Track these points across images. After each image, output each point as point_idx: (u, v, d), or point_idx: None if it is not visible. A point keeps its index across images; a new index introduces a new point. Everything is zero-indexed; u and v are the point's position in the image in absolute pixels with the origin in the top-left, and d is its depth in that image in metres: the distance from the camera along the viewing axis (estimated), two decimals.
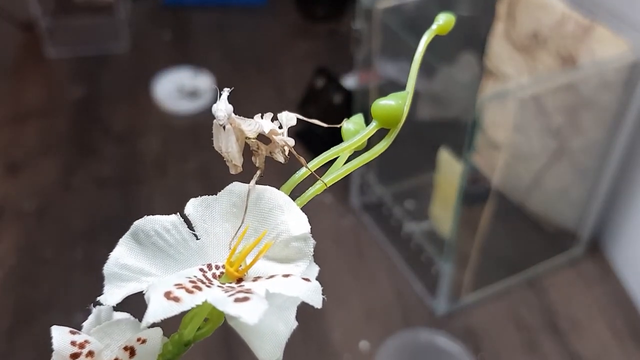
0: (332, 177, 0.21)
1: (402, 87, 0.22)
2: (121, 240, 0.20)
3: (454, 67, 0.96)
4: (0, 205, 0.97)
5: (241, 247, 0.20)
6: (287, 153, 0.20)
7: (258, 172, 0.20)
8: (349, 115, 0.22)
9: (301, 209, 0.20)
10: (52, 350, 0.20)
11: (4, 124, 1.12)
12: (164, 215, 0.20)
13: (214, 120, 0.19)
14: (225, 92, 0.19)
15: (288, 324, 0.20)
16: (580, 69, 0.76)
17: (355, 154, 0.21)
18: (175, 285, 0.18)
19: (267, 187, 0.20)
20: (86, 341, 0.20)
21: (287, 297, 0.19)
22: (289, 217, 0.20)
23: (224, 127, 0.19)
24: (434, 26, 0.22)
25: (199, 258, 0.20)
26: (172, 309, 0.17)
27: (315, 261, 0.20)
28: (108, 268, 0.20)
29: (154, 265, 0.20)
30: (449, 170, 0.81)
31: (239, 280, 0.19)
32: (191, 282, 0.18)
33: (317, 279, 0.19)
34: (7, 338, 0.79)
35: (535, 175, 0.86)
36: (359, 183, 0.96)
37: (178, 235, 0.20)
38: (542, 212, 0.89)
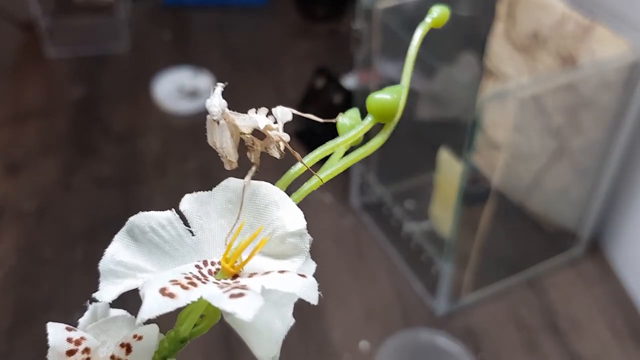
0: (328, 172, 0.21)
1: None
2: (116, 237, 0.20)
3: (454, 67, 0.96)
4: (0, 205, 0.97)
5: (237, 243, 0.20)
6: (282, 148, 0.20)
7: (253, 168, 0.20)
8: None
9: (300, 206, 0.20)
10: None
11: (4, 124, 1.12)
12: (159, 212, 0.20)
13: (208, 116, 0.19)
14: (219, 87, 0.19)
15: (285, 320, 0.20)
16: (580, 69, 0.76)
17: (352, 149, 0.21)
18: (171, 281, 0.18)
19: (263, 182, 0.20)
20: (82, 338, 0.20)
21: (284, 294, 0.19)
22: (284, 213, 0.20)
23: (218, 123, 0.19)
24: (428, 19, 0.22)
25: (194, 254, 0.20)
26: (167, 305, 0.17)
27: (315, 261, 0.20)
28: (103, 265, 0.20)
29: (149, 262, 0.20)
30: (449, 170, 0.81)
31: (235, 276, 0.19)
32: (186, 278, 0.18)
33: (317, 278, 0.19)
34: (7, 338, 0.79)
35: (535, 175, 0.86)
36: (359, 183, 0.96)
37: (173, 231, 0.20)
38: (542, 212, 0.89)
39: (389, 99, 0.20)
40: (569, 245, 0.89)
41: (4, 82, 1.22)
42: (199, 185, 0.20)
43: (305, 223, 0.20)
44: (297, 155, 0.20)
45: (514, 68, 0.85)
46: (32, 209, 0.97)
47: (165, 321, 0.19)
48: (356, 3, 0.82)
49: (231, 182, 0.20)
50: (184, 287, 0.18)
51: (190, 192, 0.21)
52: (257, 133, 0.20)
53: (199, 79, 1.20)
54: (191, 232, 0.20)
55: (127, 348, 0.20)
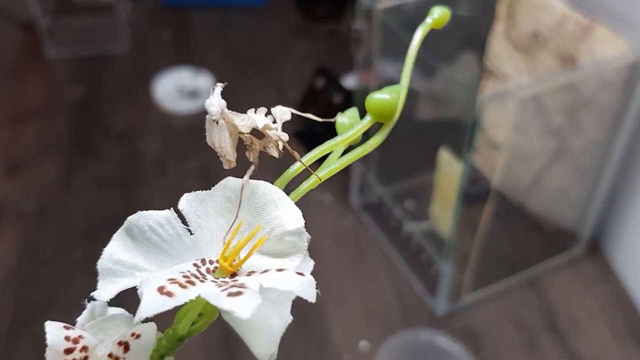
0: (326, 171, 0.21)
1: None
2: (115, 236, 0.20)
3: (454, 67, 0.96)
4: (0, 205, 0.97)
5: (235, 242, 0.20)
6: (281, 148, 0.20)
7: (252, 167, 0.20)
8: None
9: (299, 206, 0.20)
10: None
11: (4, 124, 1.12)
12: (157, 211, 0.20)
13: (207, 116, 0.19)
14: (219, 87, 0.19)
15: (283, 318, 0.20)
16: (580, 69, 0.76)
17: (351, 148, 0.21)
18: (169, 280, 0.18)
19: (261, 181, 0.20)
20: (80, 336, 0.20)
21: (282, 292, 0.19)
22: (283, 212, 0.20)
23: (217, 122, 0.19)
24: (428, 20, 0.22)
25: (192, 253, 0.20)
26: (165, 304, 0.17)
27: (315, 261, 0.20)
28: (102, 263, 0.20)
29: (147, 261, 0.20)
30: (449, 170, 0.81)
31: (233, 275, 0.19)
32: (185, 277, 0.18)
33: (317, 278, 0.19)
34: (7, 338, 0.79)
35: (535, 175, 0.86)
36: (359, 183, 0.96)
37: (172, 230, 0.20)
38: (542, 212, 0.89)
39: (388, 98, 0.20)
40: (569, 245, 0.89)
41: (4, 82, 1.22)
42: (199, 185, 0.20)
43: (304, 222, 0.20)
44: (296, 154, 0.20)
45: (514, 68, 0.85)
46: (32, 209, 0.97)
47: (163, 319, 0.19)
48: (356, 3, 0.82)
49: (230, 181, 0.20)
50: (182, 286, 0.18)
51: (190, 192, 0.21)
52: (256, 132, 0.20)
53: (199, 79, 1.20)
54: (190, 231, 0.20)
55: (125, 346, 0.20)
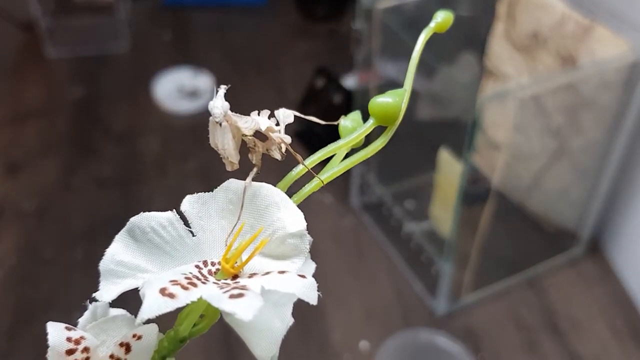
0: (329, 174, 0.21)
1: (402, 87, 0.22)
2: (117, 237, 0.20)
3: (454, 67, 0.96)
4: (0, 205, 0.97)
5: (237, 244, 0.20)
6: (283, 150, 0.20)
7: (254, 169, 0.20)
8: None
9: (300, 207, 0.20)
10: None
11: (4, 124, 1.12)
12: (160, 212, 0.20)
13: (210, 118, 0.19)
14: (222, 89, 0.19)
15: (284, 320, 0.20)
16: (580, 69, 0.76)
17: (353, 151, 0.21)
18: (171, 281, 0.18)
19: (264, 184, 0.20)
20: (82, 337, 0.20)
21: (283, 294, 0.19)
22: (285, 214, 0.20)
23: (220, 124, 0.19)
24: (432, 24, 0.22)
25: (194, 255, 0.20)
26: (167, 305, 0.17)
27: (315, 261, 0.20)
28: (104, 264, 0.20)
29: (149, 262, 0.20)
30: (449, 170, 0.81)
31: (235, 276, 0.19)
32: (186, 278, 0.18)
33: (317, 278, 0.19)
34: (7, 338, 0.80)
35: (535, 175, 0.86)
36: (359, 183, 0.96)
37: (174, 231, 0.20)
38: (542, 212, 0.89)
39: (391, 102, 0.20)
40: (569, 245, 0.90)
41: (4, 82, 1.22)
42: (199, 185, 0.20)
43: (306, 224, 0.20)
44: (299, 157, 0.20)
45: (514, 68, 0.85)
46: (32, 209, 0.97)
47: (164, 321, 0.19)
48: (356, 3, 0.82)
49: (232, 183, 0.21)
50: (184, 287, 0.18)
51: (191, 192, 0.21)
52: (259, 135, 0.20)
53: (199, 79, 1.20)
54: (192, 232, 0.20)
55: (127, 347, 0.20)
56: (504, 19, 0.85)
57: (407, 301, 0.85)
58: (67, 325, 0.21)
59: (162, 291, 0.17)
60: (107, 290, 0.19)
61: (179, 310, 0.18)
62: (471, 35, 0.95)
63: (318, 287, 0.19)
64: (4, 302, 0.84)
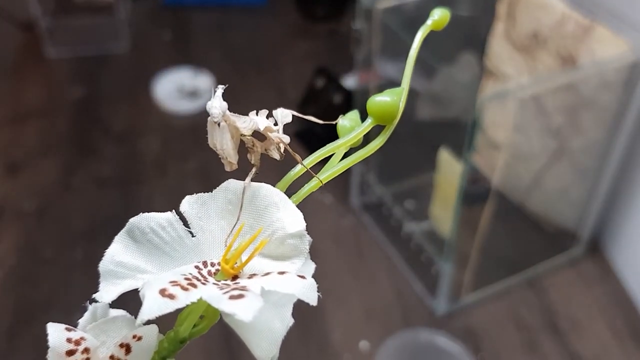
0: (327, 174, 0.21)
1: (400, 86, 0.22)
2: (117, 238, 0.20)
3: (454, 67, 0.96)
4: (0, 205, 0.97)
5: (237, 245, 0.20)
6: (282, 150, 0.20)
7: (253, 170, 0.20)
8: None
9: (299, 207, 0.20)
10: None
11: (4, 124, 1.12)
12: (159, 213, 0.20)
13: (209, 118, 0.19)
14: (220, 89, 0.19)
15: (284, 320, 0.20)
16: (580, 69, 0.76)
17: (351, 150, 0.21)
18: (171, 282, 0.18)
19: (263, 184, 0.20)
20: (82, 338, 0.20)
21: (283, 294, 0.19)
22: (284, 214, 0.20)
23: (218, 124, 0.19)
24: (429, 21, 0.22)
25: (194, 255, 0.20)
26: (166, 306, 0.17)
27: (315, 261, 0.20)
28: (104, 265, 0.20)
29: (149, 263, 0.20)
30: (449, 170, 0.81)
31: (235, 277, 0.19)
32: (186, 279, 0.18)
33: (316, 278, 0.19)
34: (7, 338, 0.80)
35: (535, 175, 0.86)
36: (359, 183, 0.96)
37: (174, 232, 0.20)
38: (542, 212, 0.89)
39: (389, 101, 0.20)
40: (569, 245, 0.89)
41: (4, 82, 1.22)
42: (199, 185, 0.20)
43: (305, 224, 0.20)
44: (297, 157, 0.20)
45: (514, 68, 0.85)
46: (32, 209, 0.97)
47: (164, 321, 0.19)
48: (356, 3, 0.82)
49: (231, 184, 0.21)
50: (184, 288, 0.18)
51: (190, 192, 0.21)
52: (258, 135, 0.20)
53: (199, 79, 1.20)
54: (191, 233, 0.20)
55: (127, 348, 0.20)
56: (504, 19, 0.85)
57: (407, 301, 0.85)
58: (67, 326, 0.21)
59: (162, 292, 0.17)
60: (107, 291, 0.19)
61: (178, 311, 0.18)
62: (471, 35, 0.95)
63: (318, 287, 0.19)
64: (4, 302, 0.84)
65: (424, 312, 0.83)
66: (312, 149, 0.20)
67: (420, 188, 0.97)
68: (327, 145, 0.21)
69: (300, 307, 0.20)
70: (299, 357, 0.78)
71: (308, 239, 0.20)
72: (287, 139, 0.20)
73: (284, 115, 0.20)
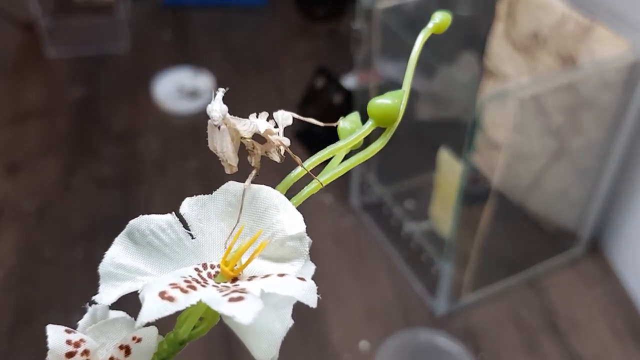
0: (328, 176, 0.21)
1: (402, 87, 0.22)
2: (117, 240, 0.20)
3: (454, 67, 0.96)
4: (0, 205, 0.97)
5: (236, 247, 0.20)
6: (282, 152, 0.20)
7: (253, 172, 0.20)
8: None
9: (299, 207, 0.20)
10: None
11: (4, 124, 1.12)
12: (159, 215, 0.20)
13: (209, 121, 0.19)
14: (220, 92, 0.19)
15: (284, 322, 0.20)
16: (580, 69, 0.76)
17: (352, 152, 0.21)
18: (170, 284, 0.18)
19: (263, 186, 0.20)
20: (81, 340, 0.20)
21: (283, 296, 0.19)
22: (284, 217, 0.20)
23: (218, 127, 0.19)
24: (430, 25, 0.22)
25: (194, 257, 0.20)
26: (166, 309, 0.17)
27: (315, 261, 0.20)
28: (103, 267, 0.20)
29: (149, 265, 0.20)
30: (449, 170, 0.81)
31: (234, 279, 0.19)
32: (186, 281, 0.18)
33: (316, 278, 0.19)
34: (7, 338, 0.80)
35: (535, 175, 0.86)
36: (359, 183, 0.96)
37: (173, 234, 0.20)
38: (542, 212, 0.89)
39: (390, 103, 0.20)
40: (569, 245, 0.89)
41: (4, 82, 1.22)
42: (199, 186, 0.21)
43: (305, 227, 0.20)
44: (298, 159, 0.20)
45: (514, 68, 0.85)
46: (32, 209, 0.97)
47: (164, 323, 0.19)
48: (356, 3, 0.82)
49: (231, 186, 0.20)
50: (184, 291, 0.18)
51: (190, 192, 0.21)
52: (258, 137, 0.20)
53: (199, 79, 1.20)
54: (191, 235, 0.20)
55: (126, 350, 0.20)
56: (504, 19, 0.84)
57: (407, 301, 0.85)
58: (66, 327, 0.21)
59: (162, 294, 0.17)
60: (107, 293, 0.19)
61: (178, 312, 0.18)
62: (471, 35, 0.95)
63: (318, 287, 0.19)
64: (4, 302, 0.84)
65: (424, 312, 0.83)
66: (312, 149, 0.20)
67: (420, 188, 0.97)
68: (328, 147, 0.21)
69: (300, 308, 0.20)
70: (299, 357, 0.78)
71: (308, 240, 0.20)
72: (287, 141, 0.20)
73: (285, 117, 0.20)
